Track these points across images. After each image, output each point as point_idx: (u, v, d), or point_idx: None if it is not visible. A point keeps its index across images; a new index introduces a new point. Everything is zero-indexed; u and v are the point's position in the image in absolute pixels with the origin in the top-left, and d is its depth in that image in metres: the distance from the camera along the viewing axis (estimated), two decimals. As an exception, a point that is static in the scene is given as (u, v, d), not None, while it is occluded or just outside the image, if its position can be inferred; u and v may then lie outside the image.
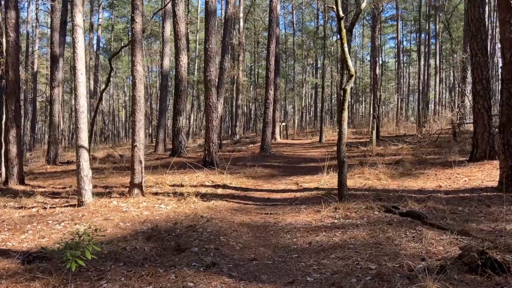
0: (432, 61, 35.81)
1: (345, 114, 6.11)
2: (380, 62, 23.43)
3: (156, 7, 33.71)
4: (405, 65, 44.95)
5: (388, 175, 8.22)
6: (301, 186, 7.93)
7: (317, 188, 7.54)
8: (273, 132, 20.18)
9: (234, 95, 31.20)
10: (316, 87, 48.18)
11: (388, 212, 5.56)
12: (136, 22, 7.35)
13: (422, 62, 28.22)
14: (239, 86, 29.41)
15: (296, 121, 43.90)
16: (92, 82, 29.55)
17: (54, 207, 6.78)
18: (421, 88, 24.74)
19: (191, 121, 42.05)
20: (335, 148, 17.21)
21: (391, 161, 10.14)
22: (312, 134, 29.45)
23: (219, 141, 19.50)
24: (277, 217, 5.75)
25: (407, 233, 4.66)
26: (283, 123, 26.04)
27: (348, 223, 5.14)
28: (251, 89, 45.20)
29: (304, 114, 47.89)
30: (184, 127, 14.15)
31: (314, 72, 49.51)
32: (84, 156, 6.69)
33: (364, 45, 51.78)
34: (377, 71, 23.22)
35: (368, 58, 53.25)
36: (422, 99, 25.89)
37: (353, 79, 6.01)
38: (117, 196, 7.32)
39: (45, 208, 6.78)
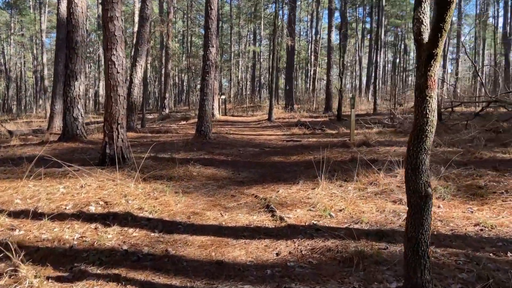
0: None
1: (435, 70, 2.32)
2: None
3: None
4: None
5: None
6: (281, 218, 4.02)
7: (316, 229, 3.70)
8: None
9: (163, 62, 26.20)
10: (255, 57, 44.24)
11: None
12: None
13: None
14: (168, 51, 24.76)
15: (232, 95, 39.69)
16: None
17: None
18: (373, 60, 21.96)
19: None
20: (293, 131, 13.37)
21: (403, 157, 6.68)
22: (252, 109, 25.75)
23: (141, 115, 14.87)
24: None
25: None
26: (223, 96, 21.86)
27: None
28: (184, 58, 40.08)
29: (242, 87, 43.88)
30: (82, 96, 9.52)
31: (253, 41, 45.50)
32: None
33: (301, 19, 48.40)
34: (333, 36, 19.90)
35: (304, 33, 50.28)
36: (370, 74, 23.31)
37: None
38: None
39: None
